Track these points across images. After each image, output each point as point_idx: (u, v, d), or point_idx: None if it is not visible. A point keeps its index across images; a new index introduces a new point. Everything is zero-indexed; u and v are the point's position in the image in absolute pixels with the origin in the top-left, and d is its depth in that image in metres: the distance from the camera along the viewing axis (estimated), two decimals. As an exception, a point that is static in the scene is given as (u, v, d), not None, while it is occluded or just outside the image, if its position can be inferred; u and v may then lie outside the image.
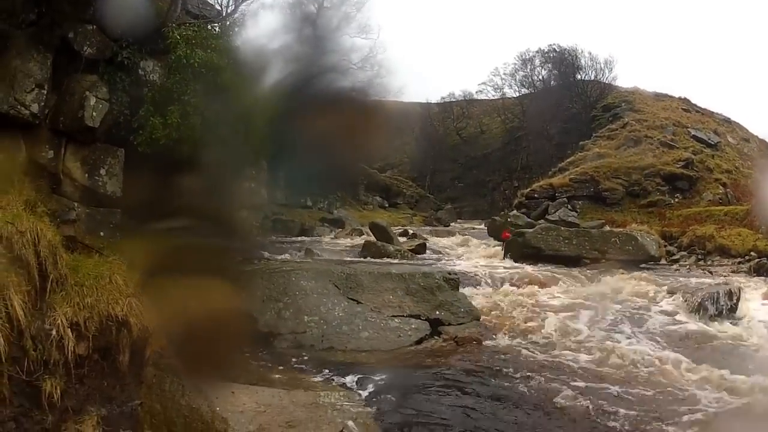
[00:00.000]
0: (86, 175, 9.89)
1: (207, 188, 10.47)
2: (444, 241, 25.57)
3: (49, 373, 5.50)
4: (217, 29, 12.63)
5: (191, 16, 13.11)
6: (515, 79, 61.63)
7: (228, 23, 13.60)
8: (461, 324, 10.54)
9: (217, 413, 5.61)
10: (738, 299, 12.48)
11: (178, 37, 10.43)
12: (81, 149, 9.97)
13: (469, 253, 22.05)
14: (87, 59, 10.02)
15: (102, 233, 9.83)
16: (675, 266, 21.08)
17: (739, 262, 20.69)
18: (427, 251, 21.27)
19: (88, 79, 10.05)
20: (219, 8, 17.38)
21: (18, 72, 9.20)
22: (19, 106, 9.16)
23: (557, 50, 57.47)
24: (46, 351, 5.49)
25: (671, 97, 49.71)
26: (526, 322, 11.16)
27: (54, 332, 5.54)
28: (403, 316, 10.19)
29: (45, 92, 9.50)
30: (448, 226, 37.65)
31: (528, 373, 8.30)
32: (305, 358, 8.60)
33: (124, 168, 10.45)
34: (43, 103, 9.48)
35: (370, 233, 23.22)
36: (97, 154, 10.10)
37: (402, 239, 23.65)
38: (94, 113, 9.87)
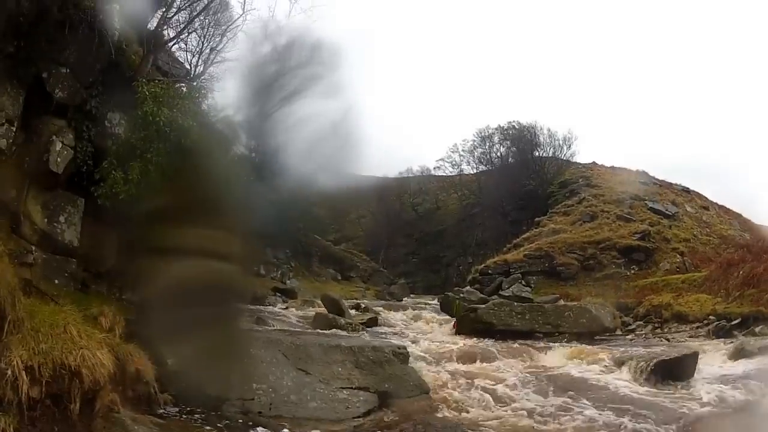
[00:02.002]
0: (46, 220, 9.74)
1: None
2: (396, 316, 25.45)
3: (3, 410, 5.50)
4: (184, 89, 12.71)
5: (161, 72, 13.23)
6: (473, 156, 62.16)
7: (196, 84, 13.72)
8: (410, 397, 10.62)
9: (166, 472, 5.52)
10: (693, 362, 12.66)
11: (147, 93, 10.44)
12: (43, 193, 9.84)
13: (421, 328, 21.96)
14: (57, 102, 10.03)
15: (57, 281, 9.67)
16: (630, 336, 21.24)
17: (698, 327, 20.84)
18: (379, 325, 21.18)
19: (56, 123, 10.05)
20: (188, 68, 17.55)
21: (-10, 104, 9.11)
22: (-13, 140, 9.02)
23: (516, 127, 58.36)
24: (0, 389, 5.44)
25: (629, 170, 50.35)
26: (474, 397, 11.21)
27: (9, 372, 5.54)
28: (351, 388, 10.21)
29: (14, 129, 9.44)
30: (401, 300, 37.39)
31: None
32: (253, 424, 8.55)
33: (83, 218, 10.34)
34: (11, 140, 9.41)
35: (323, 305, 23.10)
36: (58, 200, 9.98)
37: (354, 312, 23.54)
38: (58, 159, 9.83)
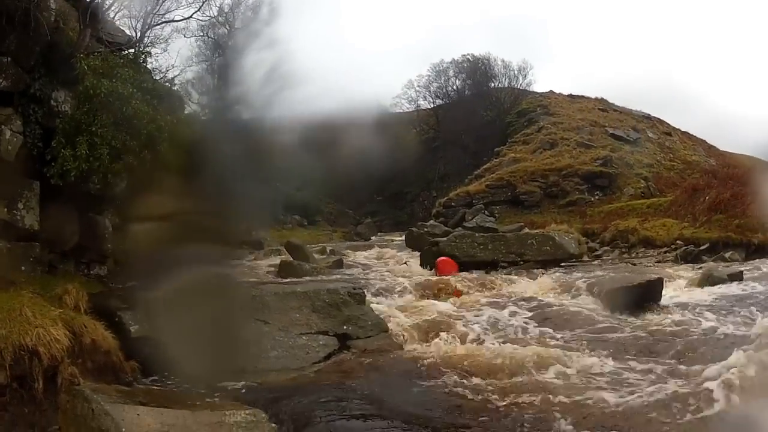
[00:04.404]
0: (5, 209, 9.84)
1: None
2: (362, 255, 25.87)
3: (-26, 399, 5.76)
4: (125, 57, 12.75)
5: (102, 43, 13.21)
6: (429, 91, 62.26)
7: (135, 50, 13.74)
8: (369, 337, 10.82)
9: (123, 434, 5.82)
10: (658, 288, 12.58)
11: (86, 68, 10.61)
12: (-1, 183, 9.94)
13: (386, 265, 22.39)
14: (2, 92, 10.11)
15: (23, 267, 9.89)
16: (597, 261, 21.76)
17: (665, 252, 21.33)
18: (345, 266, 21.46)
19: (3, 112, 10.11)
20: (130, 34, 17.44)
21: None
22: (-63, 137, 9.11)
23: (471, 60, 58.80)
24: (-31, 379, 5.74)
25: (587, 98, 51.25)
26: (433, 330, 11.35)
27: (-25, 361, 5.81)
28: (311, 333, 10.42)
29: (-39, 124, 9.50)
30: (368, 240, 37.85)
31: (433, 378, 8.64)
32: (216, 380, 8.64)
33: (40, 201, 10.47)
34: (-40, 135, 9.48)
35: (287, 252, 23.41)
36: (14, 187, 10.09)
37: (320, 257, 23.89)
38: (9, 147, 9.94)
